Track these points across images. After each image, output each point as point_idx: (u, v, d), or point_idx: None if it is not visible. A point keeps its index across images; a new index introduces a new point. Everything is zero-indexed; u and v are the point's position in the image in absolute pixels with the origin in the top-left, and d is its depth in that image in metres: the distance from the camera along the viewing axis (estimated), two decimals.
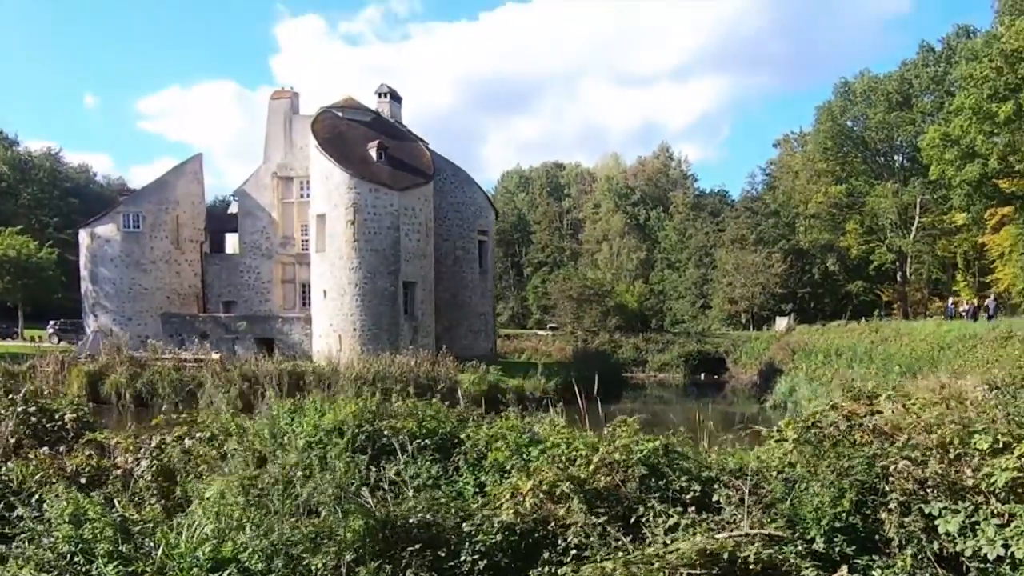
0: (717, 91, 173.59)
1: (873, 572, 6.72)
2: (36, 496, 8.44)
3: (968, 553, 6.64)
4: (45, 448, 9.81)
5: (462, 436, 9.53)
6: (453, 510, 7.47)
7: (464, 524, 7.31)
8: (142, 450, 9.40)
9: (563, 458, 8.17)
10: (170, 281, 51.34)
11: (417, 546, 6.95)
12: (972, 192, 54.22)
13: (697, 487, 7.73)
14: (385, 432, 9.51)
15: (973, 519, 6.82)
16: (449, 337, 45.98)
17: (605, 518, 7.18)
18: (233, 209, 57.93)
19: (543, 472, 7.82)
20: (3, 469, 8.94)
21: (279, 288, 51.92)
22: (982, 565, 6.52)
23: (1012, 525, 6.61)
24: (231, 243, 57.37)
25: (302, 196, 51.54)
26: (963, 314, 36.36)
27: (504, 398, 32.28)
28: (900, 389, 14.53)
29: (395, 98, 53.57)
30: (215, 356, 40.20)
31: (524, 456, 8.84)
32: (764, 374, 45.71)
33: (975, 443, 7.25)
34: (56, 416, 11.07)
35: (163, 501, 8.48)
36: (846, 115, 76.41)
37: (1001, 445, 7.10)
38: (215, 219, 57.03)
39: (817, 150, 76.88)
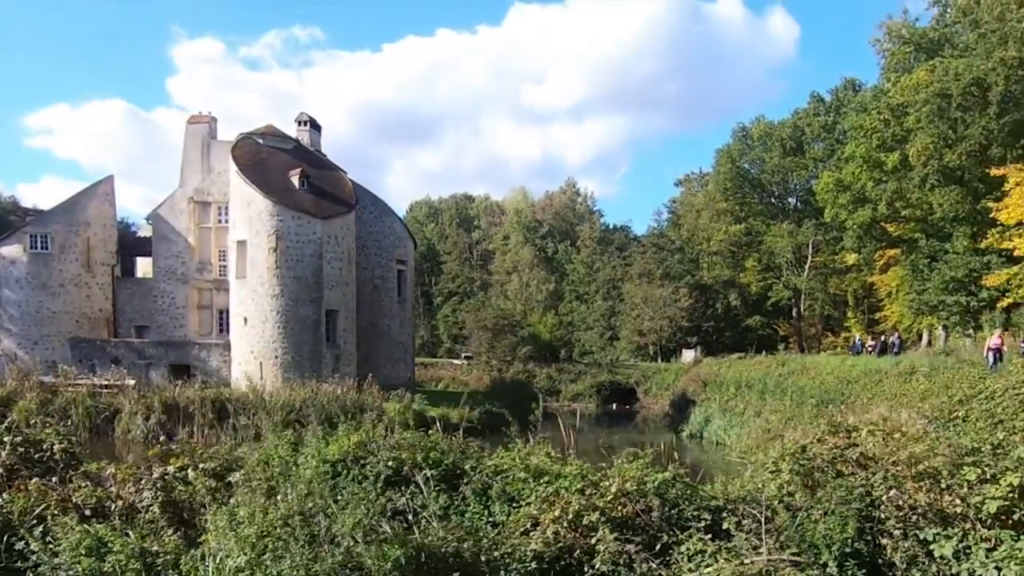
0: (614, 129, 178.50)
1: None
2: (40, 528, 8.20)
3: (964, 575, 7.21)
4: (34, 479, 9.49)
5: (466, 467, 9.69)
6: (484, 540, 7.64)
7: (495, 552, 7.49)
8: (143, 481, 9.21)
9: (581, 489, 8.43)
10: (80, 305, 49.33)
11: (456, 574, 7.10)
12: (863, 235, 57.19)
13: (708, 516, 8.12)
14: (389, 463, 9.59)
15: (964, 544, 7.41)
16: (368, 365, 45.60)
17: (633, 546, 7.48)
18: (145, 233, 56.21)
19: (567, 502, 8.07)
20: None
21: (195, 314, 50.56)
22: None
23: (1000, 549, 7.21)
24: (142, 267, 55.65)
25: (220, 221, 50.49)
26: (869, 349, 38.04)
27: (432, 427, 32.25)
28: (859, 422, 15.38)
29: (315, 127, 53.21)
30: (131, 382, 38.83)
31: (531, 487, 9.05)
32: (676, 405, 46.86)
33: (964, 474, 7.86)
34: (43, 446, 10.68)
35: (176, 533, 8.34)
36: (744, 158, 79.68)
37: (988, 476, 7.73)
38: (124, 242, 55.18)
39: (718, 190, 79.77)
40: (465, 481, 9.59)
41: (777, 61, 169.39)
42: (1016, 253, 22.64)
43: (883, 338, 33.46)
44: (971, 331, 44.98)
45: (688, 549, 7.47)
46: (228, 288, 46.48)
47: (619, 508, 8.03)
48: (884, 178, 53.22)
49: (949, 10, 54.82)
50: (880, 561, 7.59)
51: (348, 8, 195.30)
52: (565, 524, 7.87)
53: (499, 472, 9.45)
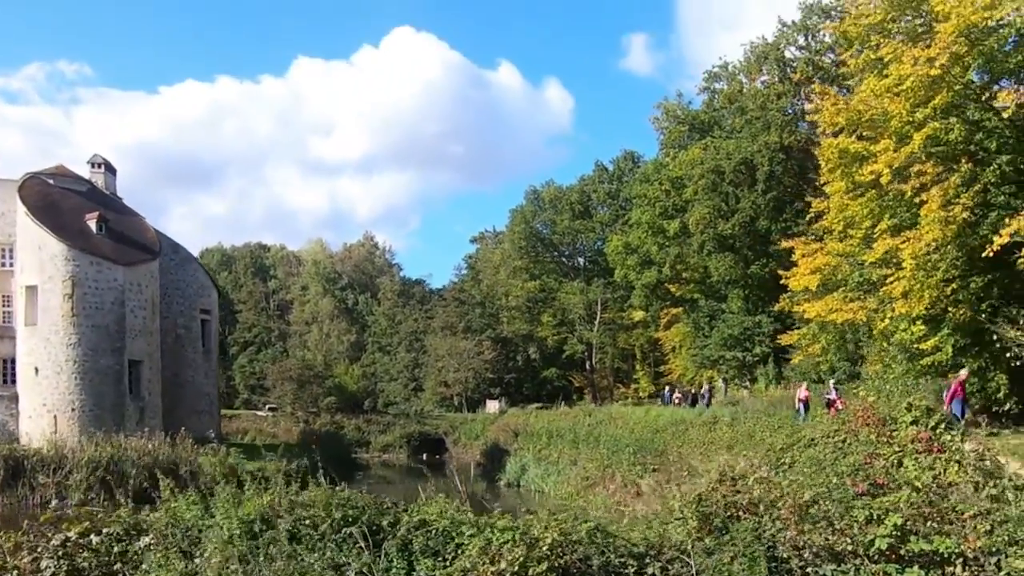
0: (402, 185, 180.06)
1: None
2: None
3: None
4: None
5: (383, 523, 9.51)
6: None
7: None
8: (40, 548, 8.36)
9: (517, 540, 8.54)
10: None
11: None
12: (649, 294, 61.05)
13: (633, 562, 8.50)
14: (306, 520, 9.26)
15: None
16: (171, 417, 42.79)
17: None
18: None
19: (511, 553, 8.17)
20: None
21: None
22: None
23: None
24: None
25: (3, 265, 45.90)
26: (677, 401, 40.02)
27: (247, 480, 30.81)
28: (704, 470, 16.41)
29: (109, 169, 49.90)
30: None
31: (455, 540, 9.05)
32: (488, 454, 47.31)
33: (855, 515, 8.76)
34: None
35: None
36: (537, 219, 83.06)
37: (875, 517, 8.66)
38: None
39: (513, 248, 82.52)
40: (382, 537, 9.42)
41: (555, 129, 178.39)
42: (806, 315, 25.26)
43: (693, 390, 35.54)
44: (747, 383, 49.07)
45: None
46: (13, 336, 42.17)
47: (558, 558, 8.24)
48: (667, 243, 57.02)
49: (717, 96, 60.01)
50: None
51: (120, 47, 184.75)
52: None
53: (420, 526, 9.38)
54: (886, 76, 23.52)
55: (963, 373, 18.46)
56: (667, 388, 41.01)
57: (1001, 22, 21.49)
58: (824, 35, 51.76)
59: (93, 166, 48.94)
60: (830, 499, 9.16)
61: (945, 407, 17.15)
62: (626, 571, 8.33)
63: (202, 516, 9.45)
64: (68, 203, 44.07)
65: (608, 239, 69.16)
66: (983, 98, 21.89)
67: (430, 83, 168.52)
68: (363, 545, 9.13)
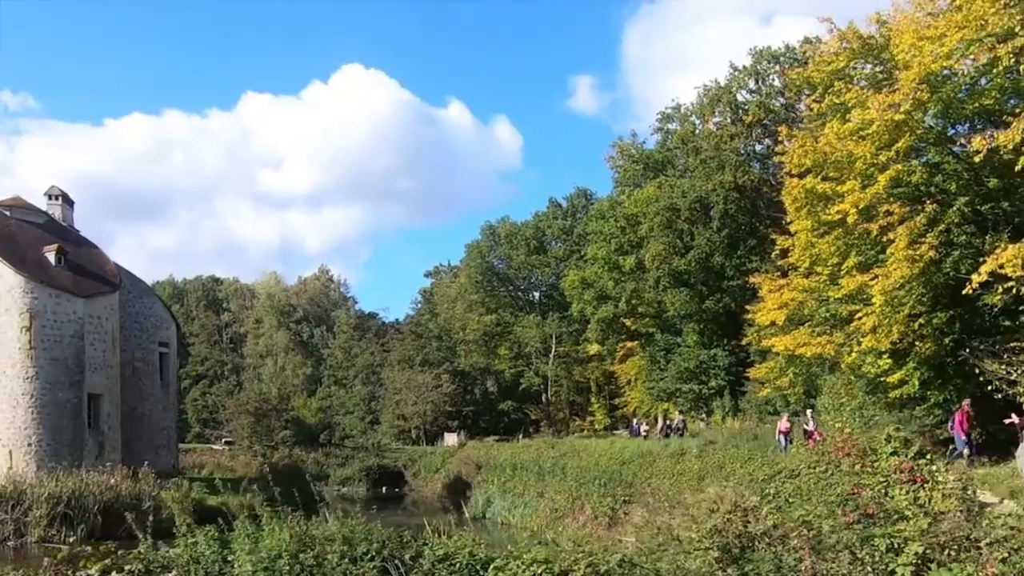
0: (353, 219, 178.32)
1: None
2: None
3: None
4: None
5: (405, 557, 9.38)
6: None
7: None
8: None
9: (546, 572, 8.48)
10: None
11: None
12: (606, 328, 61.52)
13: None
14: (328, 556, 9.08)
15: None
16: (129, 451, 41.59)
17: None
18: None
19: None
20: None
21: None
22: None
23: None
24: None
25: None
26: (644, 433, 39.76)
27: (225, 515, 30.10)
28: (695, 501, 16.47)
29: (67, 201, 48.71)
30: None
31: (479, 571, 8.96)
32: (450, 487, 46.76)
33: (875, 544, 8.87)
34: None
35: None
36: (492, 254, 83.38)
37: (894, 546, 8.79)
38: None
39: (469, 283, 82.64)
40: (404, 571, 9.29)
41: (505, 165, 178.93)
42: (775, 349, 25.70)
43: (667, 422, 35.46)
44: (704, 415, 49.54)
45: None
46: None
47: None
48: (623, 278, 57.57)
49: (670, 136, 61.08)
50: None
51: (64, 79, 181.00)
52: None
53: (444, 560, 9.27)
54: (848, 120, 24.30)
55: (965, 404, 18.93)
56: (635, 421, 40.84)
57: (956, 70, 22.43)
58: (773, 79, 53.50)
59: (51, 198, 47.74)
60: (849, 529, 9.26)
61: (960, 436, 17.63)
62: None
63: (221, 552, 9.20)
64: (25, 235, 42.92)
65: (564, 274, 69.66)
66: (942, 142, 22.71)
67: (380, 119, 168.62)
68: None
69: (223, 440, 65.34)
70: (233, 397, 69.24)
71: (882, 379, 21.91)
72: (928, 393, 21.00)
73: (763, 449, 25.13)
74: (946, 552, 8.72)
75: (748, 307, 34.03)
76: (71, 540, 31.08)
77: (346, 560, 9.11)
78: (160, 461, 43.65)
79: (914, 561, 8.44)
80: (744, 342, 39.08)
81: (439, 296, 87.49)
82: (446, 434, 66.90)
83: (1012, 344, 17.41)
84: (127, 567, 8.52)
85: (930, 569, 8.39)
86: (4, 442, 37.02)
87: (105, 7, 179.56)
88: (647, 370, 56.28)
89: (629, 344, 61.18)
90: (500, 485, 39.19)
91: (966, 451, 18.74)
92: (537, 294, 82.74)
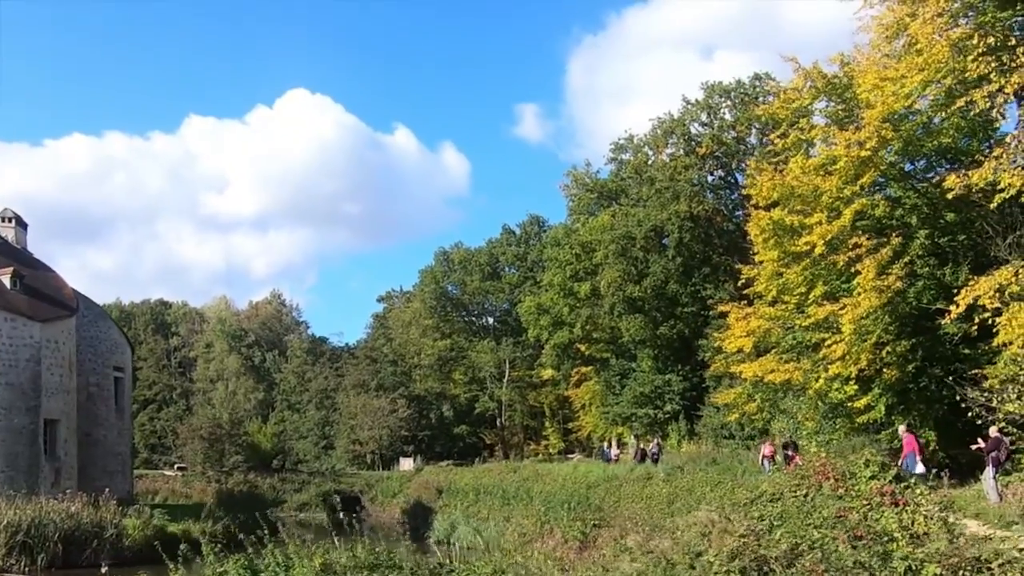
0: (298, 242, 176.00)
1: None
2: None
3: None
4: None
5: None
6: None
7: None
8: None
9: None
10: None
11: None
12: (561, 353, 61.74)
13: None
14: None
15: None
16: (83, 477, 40.21)
17: None
18: None
19: None
20: None
21: None
22: None
23: None
24: None
25: None
26: (616, 457, 39.13)
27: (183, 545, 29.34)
28: (685, 524, 16.58)
29: (20, 224, 47.43)
30: None
31: None
32: (410, 512, 46.05)
33: (894, 567, 9.08)
34: None
35: None
36: (446, 279, 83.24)
37: (912, 567, 9.02)
38: None
39: (424, 308, 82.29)
40: None
41: (452, 191, 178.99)
42: (743, 376, 26.12)
43: (642, 446, 35.36)
44: (659, 439, 49.88)
45: None
46: None
47: None
48: (578, 304, 57.94)
49: (624, 166, 61.89)
50: None
51: (2, 98, 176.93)
52: None
53: None
54: (811, 156, 25.02)
55: (901, 429, 19.43)
56: (604, 445, 40.68)
57: (914, 110, 23.31)
58: (725, 112, 54.80)
59: (4, 220, 46.38)
60: (870, 552, 9.47)
61: (917, 459, 18.03)
62: None
63: None
64: None
65: (519, 300, 69.76)
66: (902, 178, 23.53)
67: (325, 144, 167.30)
68: None
69: (175, 466, 63.60)
70: (183, 422, 67.38)
71: (848, 404, 22.44)
72: (893, 418, 21.57)
73: (730, 472, 25.41)
74: (960, 573, 8.98)
75: (709, 333, 34.39)
76: (30, 570, 30.11)
77: None
78: (116, 487, 42.11)
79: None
80: (712, 368, 39.49)
81: (393, 321, 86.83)
82: (402, 459, 66.12)
83: (979, 372, 18.04)
84: None
85: None
86: None
87: (44, 29, 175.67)
88: (602, 395, 56.56)
89: (584, 369, 61.43)
90: (464, 510, 38.79)
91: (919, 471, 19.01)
92: (491, 319, 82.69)
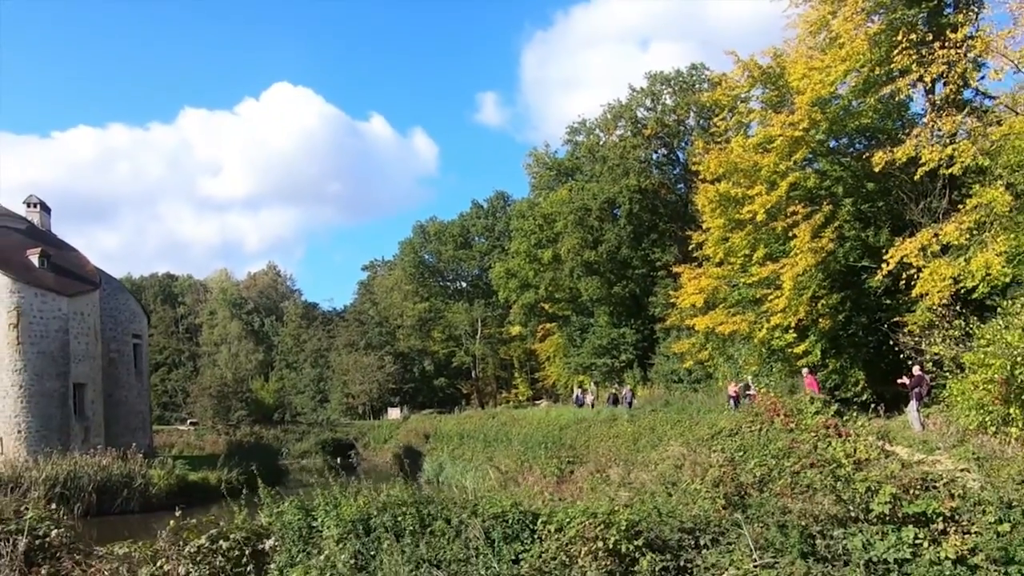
0: (287, 220, 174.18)
1: None
2: None
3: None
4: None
5: (464, 515, 9.35)
6: None
7: None
8: (172, 556, 7.75)
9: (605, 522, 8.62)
10: None
11: None
12: (528, 312, 61.97)
13: (688, 536, 8.77)
14: (398, 519, 9.01)
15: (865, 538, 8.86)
16: (108, 434, 39.73)
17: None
18: None
19: (606, 533, 8.26)
20: None
21: None
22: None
23: (888, 539, 8.74)
24: None
25: None
26: (592, 403, 37.69)
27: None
28: (661, 458, 16.86)
29: (45, 208, 46.14)
30: None
31: (531, 528, 9.04)
32: (401, 456, 46.04)
33: (856, 487, 9.35)
34: (40, 533, 8.29)
35: None
36: (424, 250, 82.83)
37: (871, 488, 9.30)
38: None
39: (404, 275, 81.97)
40: (457, 530, 9.28)
41: (423, 171, 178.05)
42: (697, 328, 26.49)
43: (615, 392, 35.37)
44: (616, 385, 50.51)
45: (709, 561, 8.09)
46: None
47: (636, 537, 8.40)
48: (542, 269, 58.15)
49: (578, 147, 61.80)
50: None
51: (13, 93, 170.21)
52: (604, 554, 8.06)
53: (496, 517, 9.30)
54: (749, 136, 25.12)
55: (805, 372, 20.04)
56: (579, 390, 40.78)
57: (837, 95, 23.56)
58: (666, 98, 54.87)
59: (29, 206, 45.16)
60: (832, 476, 9.74)
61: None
62: (684, 543, 8.60)
63: (306, 519, 9.02)
64: (9, 240, 40.41)
65: (488, 266, 69.67)
66: (829, 153, 23.82)
67: (308, 131, 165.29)
68: (482, 539, 9.01)
69: (187, 421, 62.85)
70: (192, 382, 66.63)
71: (787, 350, 22.90)
72: (827, 360, 22.07)
73: (685, 413, 25.70)
74: (910, 491, 9.30)
75: (658, 291, 34.51)
76: (67, 517, 29.72)
77: (416, 520, 9.08)
78: (138, 442, 41.58)
79: (889, 500, 8.97)
80: (667, 322, 39.92)
81: (377, 287, 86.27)
82: (389, 409, 66.12)
83: (900, 319, 18.51)
84: (232, 535, 8.25)
85: (903, 505, 8.93)
86: None
87: (51, 27, 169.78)
88: (564, 347, 56.95)
89: (548, 325, 61.74)
90: (450, 453, 38.91)
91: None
92: (464, 283, 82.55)
